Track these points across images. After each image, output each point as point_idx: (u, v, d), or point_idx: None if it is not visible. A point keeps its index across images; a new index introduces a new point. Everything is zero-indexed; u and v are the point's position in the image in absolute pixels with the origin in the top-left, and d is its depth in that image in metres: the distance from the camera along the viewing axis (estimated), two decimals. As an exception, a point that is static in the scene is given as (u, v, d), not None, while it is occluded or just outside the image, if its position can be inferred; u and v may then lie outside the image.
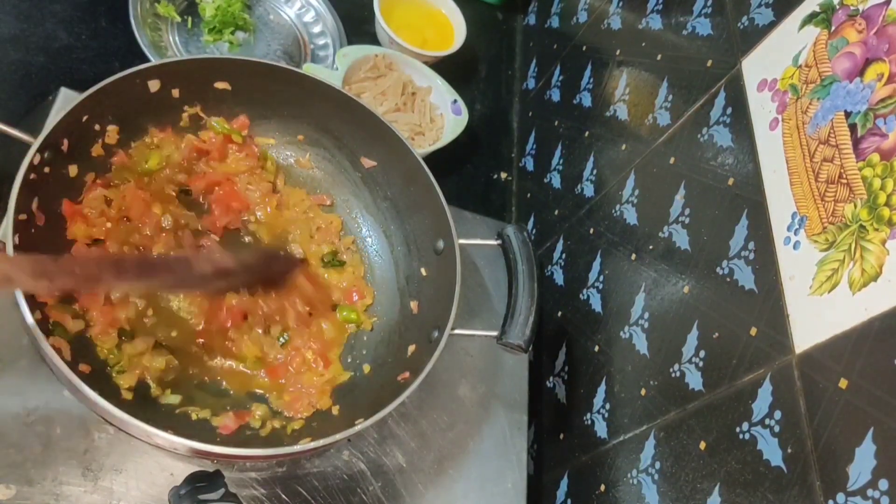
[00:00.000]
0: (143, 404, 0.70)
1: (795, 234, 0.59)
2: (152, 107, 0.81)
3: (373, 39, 1.19)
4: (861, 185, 0.54)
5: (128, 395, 0.70)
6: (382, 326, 0.86)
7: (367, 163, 0.91)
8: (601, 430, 0.80)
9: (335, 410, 0.78)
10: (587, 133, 1.02)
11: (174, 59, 0.83)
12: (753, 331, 0.61)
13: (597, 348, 0.85)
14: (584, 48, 1.11)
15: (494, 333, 0.78)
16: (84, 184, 0.76)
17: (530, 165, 1.19)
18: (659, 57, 0.88)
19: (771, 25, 0.69)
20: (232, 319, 0.78)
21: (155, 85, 0.79)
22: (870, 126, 0.54)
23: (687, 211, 0.75)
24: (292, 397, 0.77)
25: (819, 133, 0.59)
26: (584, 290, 0.91)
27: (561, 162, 1.08)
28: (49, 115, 0.78)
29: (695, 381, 0.66)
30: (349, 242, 0.91)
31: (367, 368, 0.82)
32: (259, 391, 0.77)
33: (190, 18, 1.07)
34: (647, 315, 0.77)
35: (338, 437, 0.67)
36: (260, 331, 0.79)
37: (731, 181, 0.68)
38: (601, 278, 0.89)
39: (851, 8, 0.59)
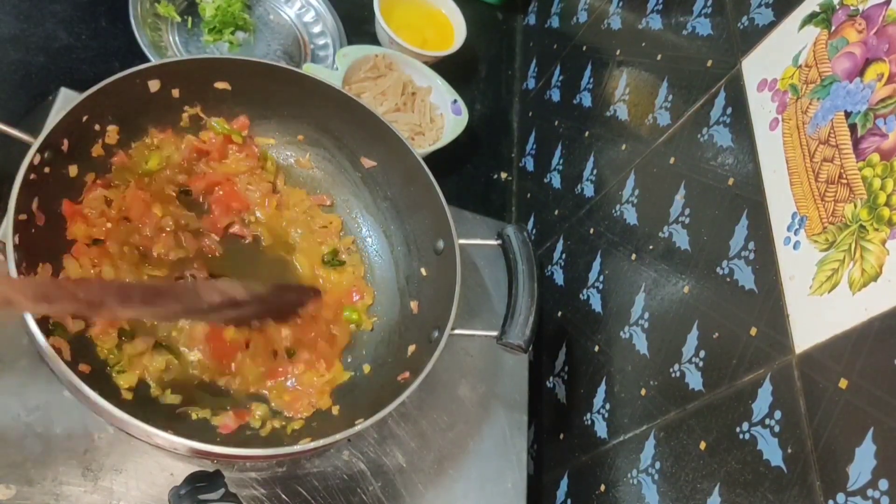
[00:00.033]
0: (143, 404, 0.70)
1: (795, 234, 0.59)
2: (152, 107, 0.81)
3: (373, 39, 1.19)
4: (861, 185, 0.54)
5: (128, 395, 0.70)
6: (382, 326, 0.86)
7: (367, 163, 0.91)
8: (601, 430, 0.80)
9: (335, 410, 0.78)
10: (587, 133, 1.02)
11: (174, 59, 0.83)
12: (753, 331, 0.61)
13: (597, 348, 0.85)
14: (584, 48, 1.11)
15: (494, 333, 0.78)
16: (84, 184, 0.76)
17: (530, 165, 1.19)
18: (659, 57, 0.88)
19: (771, 25, 0.69)
20: (232, 354, 0.77)
21: (155, 85, 0.79)
22: (870, 126, 0.54)
23: (687, 211, 0.75)
24: (292, 397, 0.77)
25: (819, 133, 0.59)
26: (584, 290, 0.91)
27: (561, 162, 1.08)
28: (49, 115, 0.78)
29: (695, 381, 0.66)
30: (349, 242, 0.91)
31: (367, 368, 0.82)
32: (259, 391, 0.77)
33: (190, 18, 1.07)
34: (647, 315, 0.77)
35: (338, 437, 0.67)
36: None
37: (731, 181, 0.68)
38: (601, 278, 0.89)
39: (851, 8, 0.59)
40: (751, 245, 0.64)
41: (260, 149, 0.90)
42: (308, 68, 1.03)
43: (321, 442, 0.67)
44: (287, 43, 1.14)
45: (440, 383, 0.86)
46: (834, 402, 0.51)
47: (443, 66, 1.17)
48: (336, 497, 0.75)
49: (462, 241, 0.82)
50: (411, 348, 0.80)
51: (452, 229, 0.82)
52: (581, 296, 0.92)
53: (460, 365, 0.89)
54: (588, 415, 0.83)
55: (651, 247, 0.80)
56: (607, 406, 0.80)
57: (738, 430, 0.59)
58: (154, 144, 0.83)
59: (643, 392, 0.74)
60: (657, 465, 0.69)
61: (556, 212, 1.05)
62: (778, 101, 0.65)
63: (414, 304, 0.85)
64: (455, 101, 1.13)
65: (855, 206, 0.54)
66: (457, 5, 1.25)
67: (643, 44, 0.92)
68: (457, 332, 0.76)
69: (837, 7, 0.61)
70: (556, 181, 1.08)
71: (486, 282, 0.98)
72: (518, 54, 1.38)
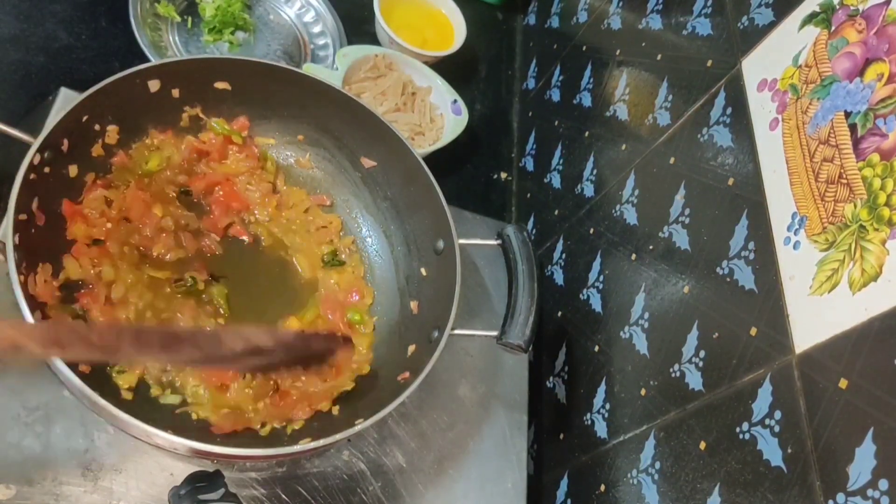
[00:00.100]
0: (143, 404, 0.70)
1: (795, 234, 0.59)
2: (152, 107, 0.81)
3: (373, 39, 1.19)
4: (861, 185, 0.54)
5: (128, 395, 0.70)
6: (382, 326, 0.86)
7: (367, 163, 0.91)
8: (601, 430, 0.80)
9: (335, 410, 0.78)
10: (587, 133, 1.02)
11: (174, 59, 0.83)
12: (753, 331, 0.61)
13: (597, 348, 0.85)
14: (584, 48, 1.11)
15: (494, 333, 0.78)
16: (84, 184, 0.76)
17: (530, 165, 1.19)
18: (659, 57, 0.88)
19: (771, 25, 0.69)
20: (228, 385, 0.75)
21: (155, 85, 0.79)
22: (870, 126, 0.54)
23: (687, 211, 0.75)
24: (293, 403, 0.77)
25: (819, 133, 0.59)
26: (584, 290, 0.91)
27: (561, 162, 1.08)
28: (49, 115, 0.78)
29: (695, 381, 0.66)
30: (349, 242, 0.91)
31: (366, 368, 0.82)
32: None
33: (190, 18, 1.07)
34: (647, 315, 0.77)
35: (338, 437, 0.67)
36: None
37: (731, 181, 0.68)
38: (601, 278, 0.89)
39: (851, 8, 0.59)
40: (751, 245, 0.64)
41: (260, 149, 0.90)
42: (308, 68, 1.03)
43: (321, 442, 0.67)
44: (287, 43, 1.14)
45: (440, 383, 0.86)
46: (834, 402, 0.51)
47: (443, 66, 1.17)
48: (336, 497, 0.75)
49: (462, 241, 0.82)
50: (411, 348, 0.80)
51: (452, 229, 0.82)
52: (581, 296, 0.92)
53: (460, 365, 0.89)
54: (588, 415, 0.83)
55: (651, 247, 0.79)
56: (607, 406, 0.80)
57: (738, 430, 0.59)
58: (154, 145, 0.83)
59: (643, 392, 0.74)
60: (657, 465, 0.69)
61: (556, 212, 1.05)
62: (778, 101, 0.65)
63: (414, 304, 0.85)
64: (455, 101, 1.13)
65: (855, 206, 0.54)
66: (457, 5, 1.25)
67: (643, 44, 0.92)
68: (457, 332, 0.76)
69: (837, 7, 0.61)
70: (556, 181, 1.08)
71: (486, 282, 0.98)
72: (518, 54, 1.38)
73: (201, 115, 0.86)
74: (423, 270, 0.87)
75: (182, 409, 0.72)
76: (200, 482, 0.60)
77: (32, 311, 0.62)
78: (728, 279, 0.65)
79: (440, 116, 1.13)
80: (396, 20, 1.18)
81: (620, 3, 1.02)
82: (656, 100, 0.85)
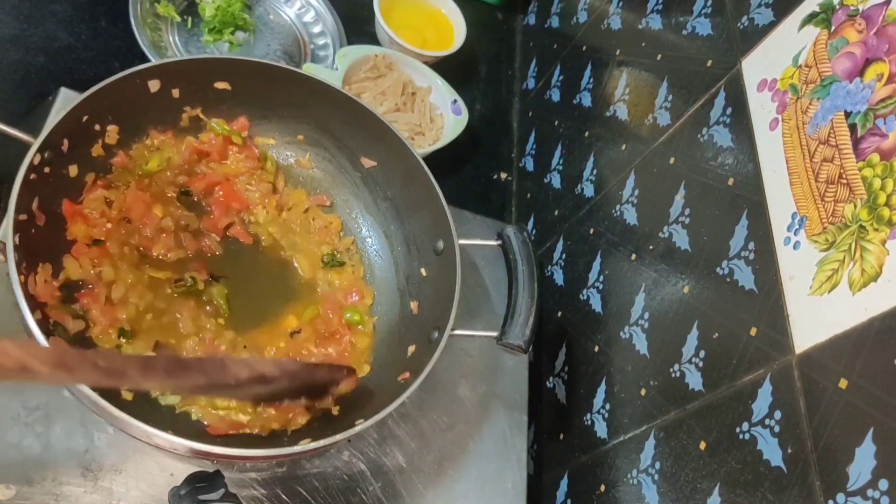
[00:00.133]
0: (143, 404, 0.70)
1: (795, 234, 0.59)
2: (152, 107, 0.81)
3: (373, 39, 1.19)
4: (861, 185, 0.54)
5: (128, 396, 0.70)
6: (382, 326, 0.86)
7: (367, 163, 0.91)
8: (601, 430, 0.80)
9: (335, 410, 0.78)
10: (587, 133, 1.02)
11: (174, 59, 0.83)
12: (753, 331, 0.61)
13: (597, 348, 0.85)
14: (584, 48, 1.11)
15: (494, 334, 0.78)
16: (84, 184, 0.76)
17: (530, 165, 1.19)
18: (659, 57, 0.88)
19: (771, 25, 0.69)
20: None
21: (155, 85, 0.79)
22: (870, 126, 0.54)
23: (687, 211, 0.75)
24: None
25: (819, 133, 0.59)
26: (584, 290, 0.91)
27: (561, 162, 1.08)
28: (49, 115, 0.78)
29: (695, 381, 0.66)
30: (349, 243, 0.91)
31: (367, 368, 0.82)
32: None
33: (190, 18, 1.07)
34: (647, 315, 0.77)
35: (338, 437, 0.67)
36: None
37: (731, 181, 0.68)
38: (601, 278, 0.89)
39: (851, 8, 0.59)
40: (751, 245, 0.64)
41: (260, 149, 0.90)
42: (308, 68, 1.03)
43: (321, 442, 0.67)
44: (287, 43, 1.14)
45: (440, 383, 0.86)
46: (834, 402, 0.51)
47: (443, 66, 1.17)
48: (336, 497, 0.75)
49: (462, 242, 0.82)
50: (411, 349, 0.80)
51: (452, 229, 0.82)
52: (581, 296, 0.92)
53: (460, 365, 0.89)
54: (588, 415, 0.83)
55: (651, 247, 0.79)
56: (607, 406, 0.80)
57: (738, 430, 0.59)
58: (154, 145, 0.83)
59: (643, 392, 0.74)
60: (657, 465, 0.69)
61: (556, 212, 1.05)
62: (778, 101, 0.65)
63: (414, 305, 0.85)
64: (455, 101, 1.13)
65: (855, 207, 0.54)
66: (457, 5, 1.25)
67: (643, 44, 0.92)
68: (457, 332, 0.76)
69: (837, 7, 0.61)
70: (556, 181, 1.08)
71: (486, 282, 0.98)
72: (518, 54, 1.38)
73: (201, 116, 0.86)
74: (423, 270, 0.87)
75: (182, 410, 0.72)
76: (200, 482, 0.60)
77: (32, 311, 0.62)
78: (728, 279, 0.65)
79: (440, 116, 1.13)
80: (396, 20, 1.18)
81: (620, 3, 1.02)
82: (656, 100, 0.85)
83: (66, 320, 0.69)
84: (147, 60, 0.95)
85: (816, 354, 0.54)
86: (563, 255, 1.00)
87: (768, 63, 0.68)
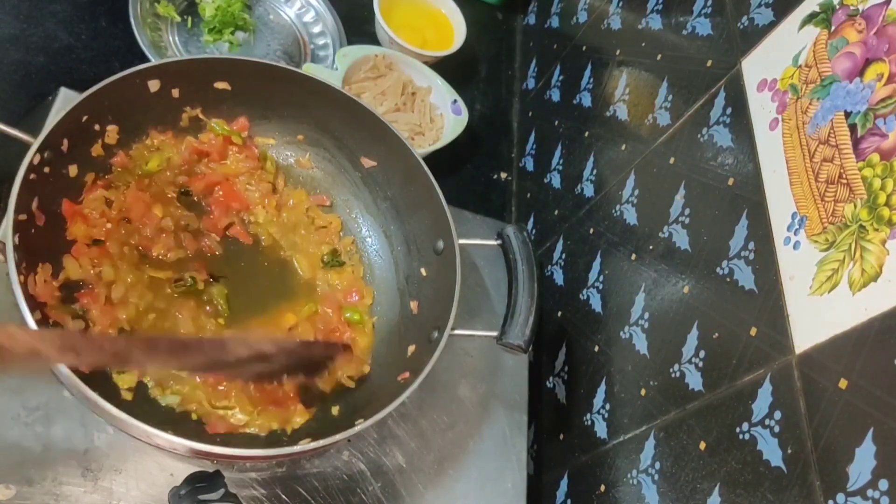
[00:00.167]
0: (143, 404, 0.70)
1: (795, 234, 0.59)
2: (152, 107, 0.81)
3: (373, 39, 1.19)
4: (861, 185, 0.54)
5: (127, 396, 0.70)
6: (382, 326, 0.86)
7: (367, 163, 0.91)
8: (601, 430, 0.80)
9: (335, 410, 0.78)
10: (587, 133, 1.02)
11: (174, 59, 0.83)
12: (753, 331, 0.61)
13: (597, 348, 0.85)
14: (584, 48, 1.11)
15: (494, 334, 0.78)
16: (84, 184, 0.76)
17: (530, 165, 1.19)
18: (659, 57, 0.88)
19: (771, 25, 0.69)
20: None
21: (155, 85, 0.79)
22: (870, 126, 0.54)
23: (687, 211, 0.75)
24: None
25: (819, 133, 0.59)
26: (584, 290, 0.91)
27: (561, 162, 1.08)
28: (49, 115, 0.78)
29: (695, 381, 0.66)
30: (349, 243, 0.91)
31: (366, 368, 0.82)
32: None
33: (190, 18, 1.07)
34: (647, 315, 0.77)
35: (338, 437, 0.67)
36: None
37: (731, 181, 0.68)
38: (601, 278, 0.89)
39: (851, 8, 0.59)
40: (751, 245, 0.64)
41: (260, 149, 0.90)
42: (308, 68, 1.03)
43: (321, 442, 0.67)
44: (287, 43, 1.14)
45: (440, 383, 0.86)
46: (834, 402, 0.51)
47: (443, 66, 1.17)
48: (336, 497, 0.75)
49: (462, 241, 0.82)
50: (411, 348, 0.80)
51: (452, 229, 0.82)
52: (581, 296, 0.92)
53: (460, 365, 0.89)
54: (588, 415, 0.83)
55: (651, 247, 0.79)
56: (607, 406, 0.80)
57: (738, 430, 0.59)
58: (154, 146, 0.83)
59: (643, 392, 0.74)
60: (657, 465, 0.69)
61: (556, 212, 1.05)
62: (778, 101, 0.65)
63: (414, 305, 0.85)
64: (455, 101, 1.13)
65: (855, 206, 0.54)
66: (457, 5, 1.25)
67: (643, 44, 0.92)
68: (457, 332, 0.76)
69: (837, 7, 0.61)
70: (556, 181, 1.08)
71: (486, 282, 0.98)
72: (518, 54, 1.38)
73: (201, 116, 0.86)
74: (423, 270, 0.87)
75: (182, 410, 0.72)
76: (200, 482, 0.60)
77: (32, 311, 0.62)
78: (728, 279, 0.65)
79: (440, 116, 1.13)
80: (396, 20, 1.18)
81: (620, 3, 1.02)
82: (656, 100, 0.85)
83: (66, 320, 0.69)
84: (147, 60, 0.95)
85: (816, 354, 0.54)
86: (563, 255, 1.00)
87: (768, 63, 0.68)
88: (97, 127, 0.77)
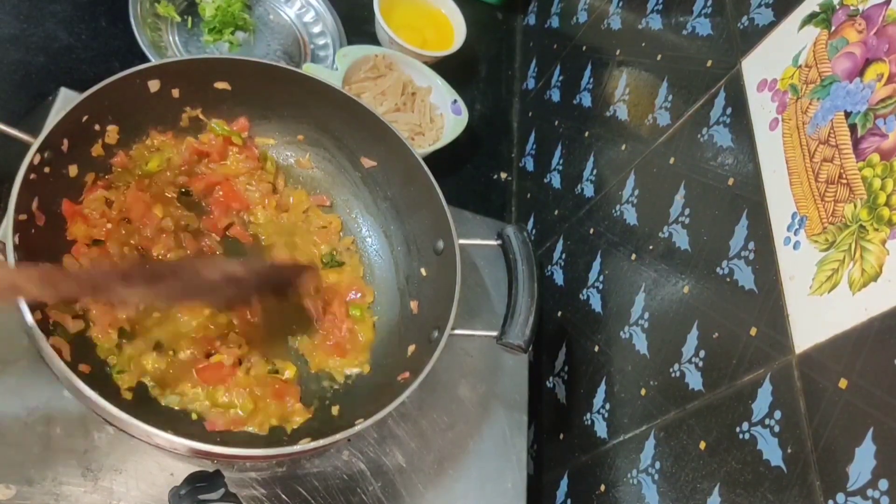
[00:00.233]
0: (143, 404, 0.70)
1: (795, 234, 0.59)
2: (152, 107, 0.81)
3: (373, 39, 1.19)
4: (861, 185, 0.54)
5: (128, 395, 0.70)
6: (382, 326, 0.86)
7: (367, 163, 0.91)
8: (601, 430, 0.80)
9: (335, 410, 0.78)
10: (587, 133, 1.02)
11: (174, 59, 0.83)
12: (753, 331, 0.61)
13: (597, 348, 0.85)
14: (584, 48, 1.11)
15: (494, 333, 0.78)
16: (84, 184, 0.76)
17: (530, 165, 1.19)
18: (659, 57, 0.88)
19: (771, 25, 0.69)
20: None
21: (155, 85, 0.79)
22: (870, 126, 0.54)
23: (687, 211, 0.75)
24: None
25: (819, 133, 0.59)
26: (584, 290, 0.91)
27: (561, 162, 1.08)
28: (49, 115, 0.78)
29: (695, 381, 0.66)
30: (349, 242, 0.91)
31: (367, 368, 0.82)
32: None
33: (190, 18, 1.07)
34: (647, 315, 0.77)
35: (338, 437, 0.67)
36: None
37: (731, 181, 0.68)
38: (601, 278, 0.89)
39: (851, 8, 0.59)
40: (751, 245, 0.64)
41: (260, 149, 0.90)
42: (308, 68, 1.03)
43: (321, 442, 0.67)
44: (287, 43, 1.14)
45: (440, 383, 0.86)
46: (834, 402, 0.51)
47: (443, 66, 1.17)
48: (336, 497, 0.75)
49: (462, 241, 0.82)
50: (411, 348, 0.80)
51: (452, 229, 0.82)
52: (581, 296, 0.92)
53: (460, 365, 0.89)
54: (588, 415, 0.83)
55: (651, 247, 0.80)
56: (607, 406, 0.80)
57: (738, 430, 0.59)
58: (154, 146, 0.83)
59: (643, 392, 0.74)
60: (657, 465, 0.69)
61: (556, 212, 1.05)
62: (778, 101, 0.65)
63: (414, 304, 0.85)
64: (455, 101, 1.13)
65: (855, 206, 0.54)
66: (457, 5, 1.25)
67: (643, 44, 0.92)
68: (457, 332, 0.76)
69: (837, 7, 0.61)
70: (556, 181, 1.08)
71: (486, 282, 0.98)
72: (518, 54, 1.38)
73: (201, 116, 0.86)
74: (423, 270, 0.87)
75: (182, 409, 0.72)
76: (200, 482, 0.60)
77: (32, 311, 0.62)
78: (728, 279, 0.65)
79: (440, 116, 1.13)
80: (396, 20, 1.18)
81: (620, 3, 1.02)
82: (656, 100, 0.86)
83: (66, 320, 0.69)
84: (147, 60, 0.95)
85: (816, 354, 0.54)
86: (563, 255, 1.00)
87: (768, 63, 0.68)
88: (97, 127, 0.77)
